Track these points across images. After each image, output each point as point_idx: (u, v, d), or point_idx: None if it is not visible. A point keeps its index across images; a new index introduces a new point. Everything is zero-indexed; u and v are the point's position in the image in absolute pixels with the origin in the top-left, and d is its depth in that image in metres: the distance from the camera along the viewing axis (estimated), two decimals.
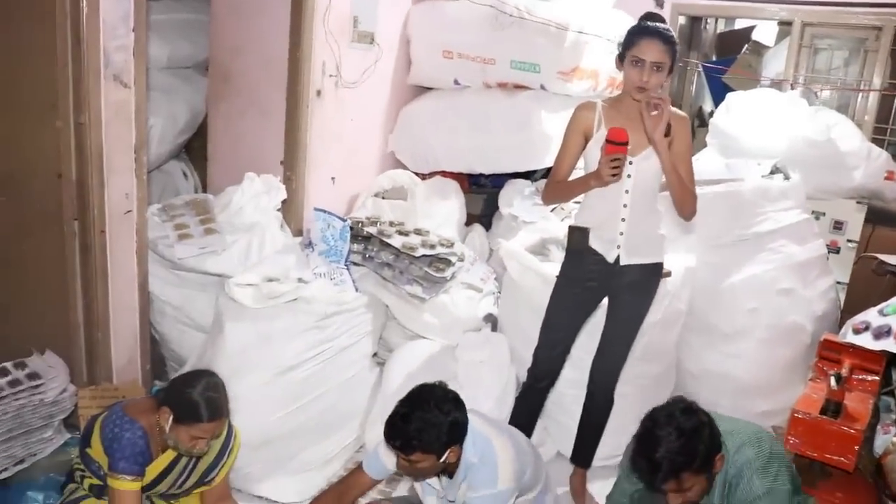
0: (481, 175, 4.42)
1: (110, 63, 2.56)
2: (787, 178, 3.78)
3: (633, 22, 2.56)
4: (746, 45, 5.83)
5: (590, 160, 2.57)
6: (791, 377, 3.42)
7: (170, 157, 4.23)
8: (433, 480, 2.32)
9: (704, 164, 4.05)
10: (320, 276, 3.13)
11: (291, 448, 2.88)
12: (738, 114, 4.30)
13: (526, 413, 2.88)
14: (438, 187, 4.07)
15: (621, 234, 2.57)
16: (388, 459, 2.29)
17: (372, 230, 3.38)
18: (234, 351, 2.80)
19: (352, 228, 3.28)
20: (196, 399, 2.14)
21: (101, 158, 2.60)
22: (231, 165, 3.68)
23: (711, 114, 5.08)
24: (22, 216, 2.73)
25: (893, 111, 4.81)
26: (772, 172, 3.86)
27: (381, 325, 3.32)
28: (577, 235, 2.64)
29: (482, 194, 4.56)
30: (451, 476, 2.28)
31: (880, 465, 2.74)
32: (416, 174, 4.12)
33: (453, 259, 3.39)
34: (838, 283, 3.95)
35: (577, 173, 2.63)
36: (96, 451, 2.21)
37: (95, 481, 2.27)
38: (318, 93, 3.53)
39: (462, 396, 2.94)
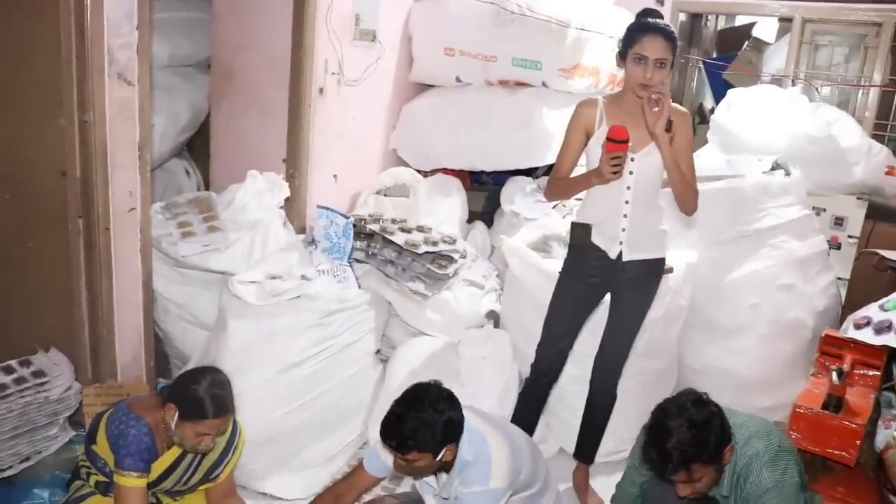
0: (483, 172, 4.42)
1: (114, 61, 2.56)
2: (787, 174, 3.78)
3: (633, 19, 2.56)
4: (747, 42, 5.83)
5: (591, 157, 2.58)
6: (792, 372, 3.43)
7: (172, 156, 4.24)
8: (430, 479, 2.34)
9: (705, 160, 4.07)
10: (323, 274, 3.14)
11: (295, 445, 2.89)
12: (738, 110, 4.31)
13: (528, 409, 2.89)
14: (440, 184, 4.08)
15: (623, 230, 2.58)
16: (388, 458, 2.30)
17: (375, 227, 3.39)
18: (238, 348, 2.80)
19: (355, 225, 3.29)
20: (201, 395, 2.15)
21: (105, 156, 2.60)
22: (233, 163, 3.68)
23: (712, 111, 5.09)
24: (26, 214, 2.73)
25: (894, 107, 4.82)
26: (772, 168, 3.86)
27: (383, 322, 3.33)
28: (580, 232, 2.64)
29: (484, 191, 4.56)
30: (448, 473, 2.29)
31: (881, 460, 2.75)
32: (418, 171, 4.13)
33: (456, 256, 3.39)
34: (839, 278, 3.96)
35: (581, 170, 2.65)
36: (102, 448, 2.22)
37: (101, 478, 2.28)
38: (321, 91, 3.54)
39: (464, 393, 2.97)
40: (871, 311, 3.01)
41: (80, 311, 2.73)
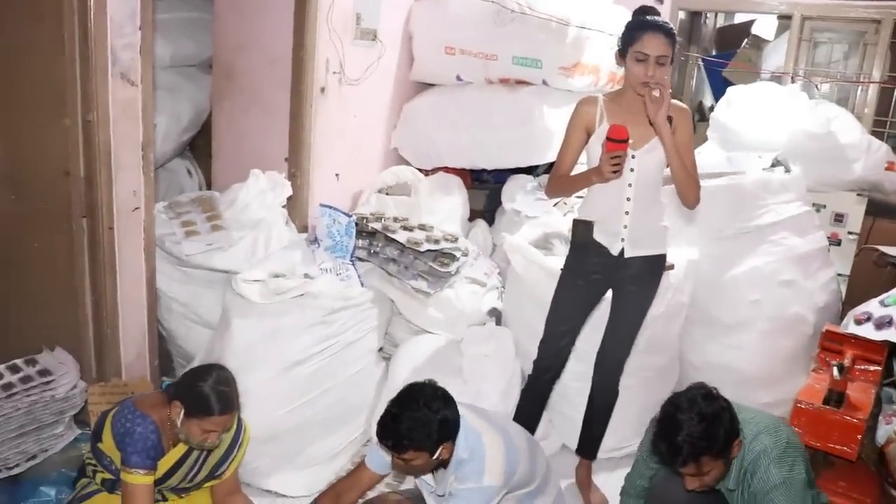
0: (484, 170, 4.43)
1: (117, 61, 2.57)
2: (787, 170, 3.79)
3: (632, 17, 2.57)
4: (746, 40, 5.85)
5: (592, 155, 2.59)
6: (793, 368, 3.44)
7: (174, 156, 4.25)
8: (428, 477, 2.35)
9: (706, 157, 4.08)
10: (326, 272, 3.15)
11: (299, 442, 2.91)
12: (738, 107, 4.32)
13: (531, 406, 2.90)
14: (441, 183, 4.09)
15: (625, 226, 2.59)
16: (389, 455, 2.31)
17: (377, 226, 3.40)
18: (242, 346, 2.82)
19: (357, 224, 3.30)
20: (207, 392, 2.16)
21: (108, 156, 2.61)
22: (235, 163, 3.70)
23: (711, 108, 5.10)
24: (31, 214, 2.75)
25: (893, 104, 4.83)
26: (773, 165, 3.88)
27: (386, 320, 3.34)
28: (582, 229, 2.66)
29: (485, 190, 4.57)
30: (444, 470, 2.31)
31: (883, 454, 2.76)
32: (420, 170, 4.14)
33: (457, 254, 3.41)
34: (839, 274, 3.97)
35: (581, 167, 2.66)
36: (108, 446, 2.23)
37: (107, 476, 2.29)
38: (322, 90, 3.55)
39: (467, 390, 3.00)
40: (872, 306, 3.03)
41: (84, 310, 2.75)
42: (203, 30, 4.05)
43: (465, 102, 4.06)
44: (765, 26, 6.02)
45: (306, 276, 3.06)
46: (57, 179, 2.64)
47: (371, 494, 2.61)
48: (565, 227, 3.40)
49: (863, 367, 2.93)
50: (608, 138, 2.40)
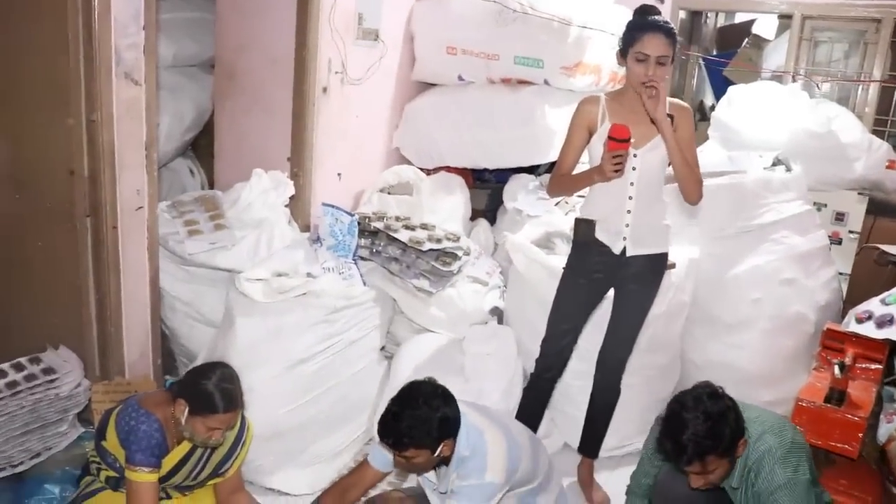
0: (485, 170, 4.43)
1: (121, 61, 2.58)
2: (788, 169, 3.80)
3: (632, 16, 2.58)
4: (747, 39, 5.85)
5: (594, 154, 2.60)
6: (794, 367, 3.45)
7: (176, 155, 4.26)
8: (430, 474, 2.36)
9: (707, 156, 4.08)
10: (329, 271, 3.16)
11: (302, 441, 2.92)
12: (739, 106, 4.32)
13: (533, 404, 2.91)
14: (443, 182, 4.09)
15: (627, 225, 2.60)
16: (391, 453, 2.32)
17: (379, 225, 3.41)
18: (245, 345, 2.83)
19: (359, 223, 3.31)
20: (211, 390, 2.17)
21: (112, 155, 2.62)
22: (237, 162, 3.71)
23: (712, 108, 5.11)
24: (35, 213, 2.76)
25: (893, 103, 4.83)
26: (774, 164, 3.88)
27: (388, 319, 3.35)
28: (584, 227, 2.67)
29: (486, 189, 4.57)
30: (447, 468, 2.32)
31: (884, 452, 2.77)
32: (421, 169, 4.14)
33: (459, 253, 3.41)
34: (840, 273, 3.97)
35: (583, 166, 2.67)
36: (112, 444, 2.24)
37: (112, 473, 2.31)
38: (324, 90, 3.56)
39: (469, 389, 3.00)
40: (873, 305, 3.04)
41: (88, 309, 2.76)
42: (205, 30, 4.05)
43: (467, 102, 4.06)
44: (765, 26, 6.02)
45: (309, 274, 3.07)
46: (61, 178, 2.65)
47: (373, 493, 2.62)
48: (567, 226, 3.41)
49: (864, 366, 2.94)
50: (610, 137, 2.40)
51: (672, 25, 2.50)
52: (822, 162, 4.00)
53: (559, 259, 3.09)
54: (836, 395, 2.72)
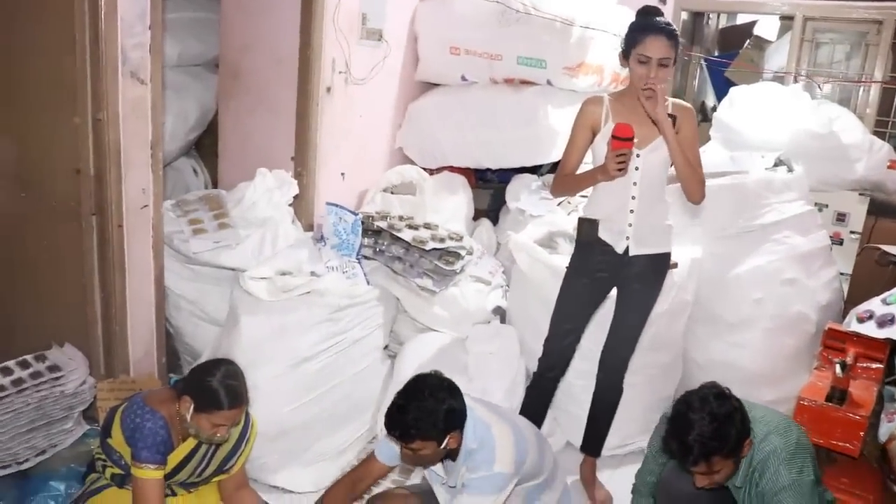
0: (488, 170, 4.44)
1: (127, 60, 2.60)
2: (790, 170, 3.81)
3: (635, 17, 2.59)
4: (748, 40, 5.86)
5: (597, 154, 2.61)
6: (796, 366, 3.45)
7: (180, 154, 4.28)
8: (437, 468, 2.37)
9: (709, 157, 4.08)
10: (332, 270, 3.17)
11: (306, 439, 2.93)
12: (741, 107, 4.32)
13: (536, 403, 2.92)
14: (446, 182, 4.11)
15: (630, 225, 2.61)
16: (398, 447, 2.34)
17: (382, 224, 3.42)
18: (249, 344, 2.84)
19: (363, 222, 3.32)
20: (216, 387, 2.18)
21: (118, 154, 2.64)
22: (241, 162, 3.72)
23: (714, 109, 5.12)
24: (41, 211, 2.77)
25: (894, 104, 4.85)
26: (775, 165, 3.88)
27: (392, 318, 3.36)
28: (587, 227, 2.68)
29: (489, 189, 4.59)
30: (454, 462, 2.33)
31: (885, 451, 2.77)
32: (424, 169, 4.15)
33: (462, 252, 3.43)
34: (841, 273, 3.98)
35: (586, 167, 2.68)
36: (117, 441, 2.26)
37: (117, 470, 2.32)
38: (328, 90, 3.57)
39: (472, 388, 3.01)
40: (874, 304, 3.05)
41: (93, 307, 2.77)
42: (209, 29, 4.07)
43: (470, 102, 4.08)
44: (767, 27, 6.03)
45: (313, 273, 3.08)
46: (67, 177, 2.66)
47: (376, 490, 2.63)
48: (570, 225, 3.42)
49: (865, 365, 2.95)
50: (614, 136, 2.41)
51: (674, 27, 2.51)
52: (824, 162, 4.01)
53: (562, 258, 3.11)
54: (838, 394, 2.73)
